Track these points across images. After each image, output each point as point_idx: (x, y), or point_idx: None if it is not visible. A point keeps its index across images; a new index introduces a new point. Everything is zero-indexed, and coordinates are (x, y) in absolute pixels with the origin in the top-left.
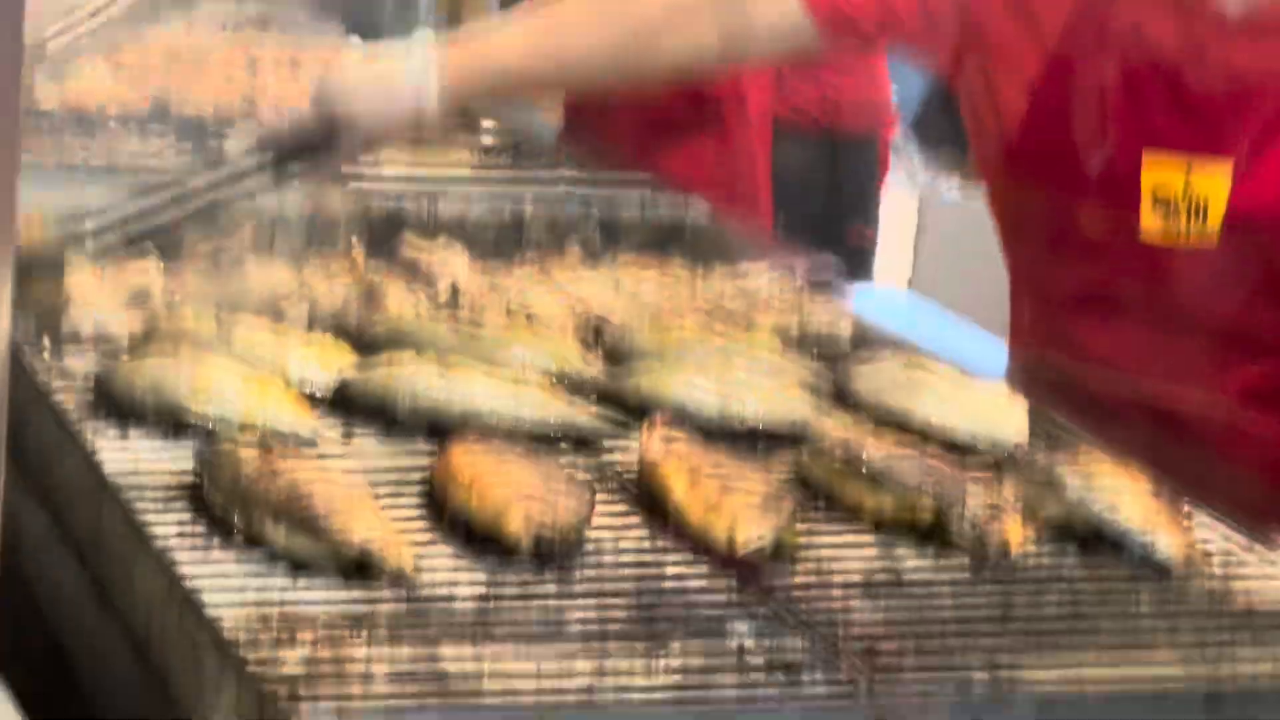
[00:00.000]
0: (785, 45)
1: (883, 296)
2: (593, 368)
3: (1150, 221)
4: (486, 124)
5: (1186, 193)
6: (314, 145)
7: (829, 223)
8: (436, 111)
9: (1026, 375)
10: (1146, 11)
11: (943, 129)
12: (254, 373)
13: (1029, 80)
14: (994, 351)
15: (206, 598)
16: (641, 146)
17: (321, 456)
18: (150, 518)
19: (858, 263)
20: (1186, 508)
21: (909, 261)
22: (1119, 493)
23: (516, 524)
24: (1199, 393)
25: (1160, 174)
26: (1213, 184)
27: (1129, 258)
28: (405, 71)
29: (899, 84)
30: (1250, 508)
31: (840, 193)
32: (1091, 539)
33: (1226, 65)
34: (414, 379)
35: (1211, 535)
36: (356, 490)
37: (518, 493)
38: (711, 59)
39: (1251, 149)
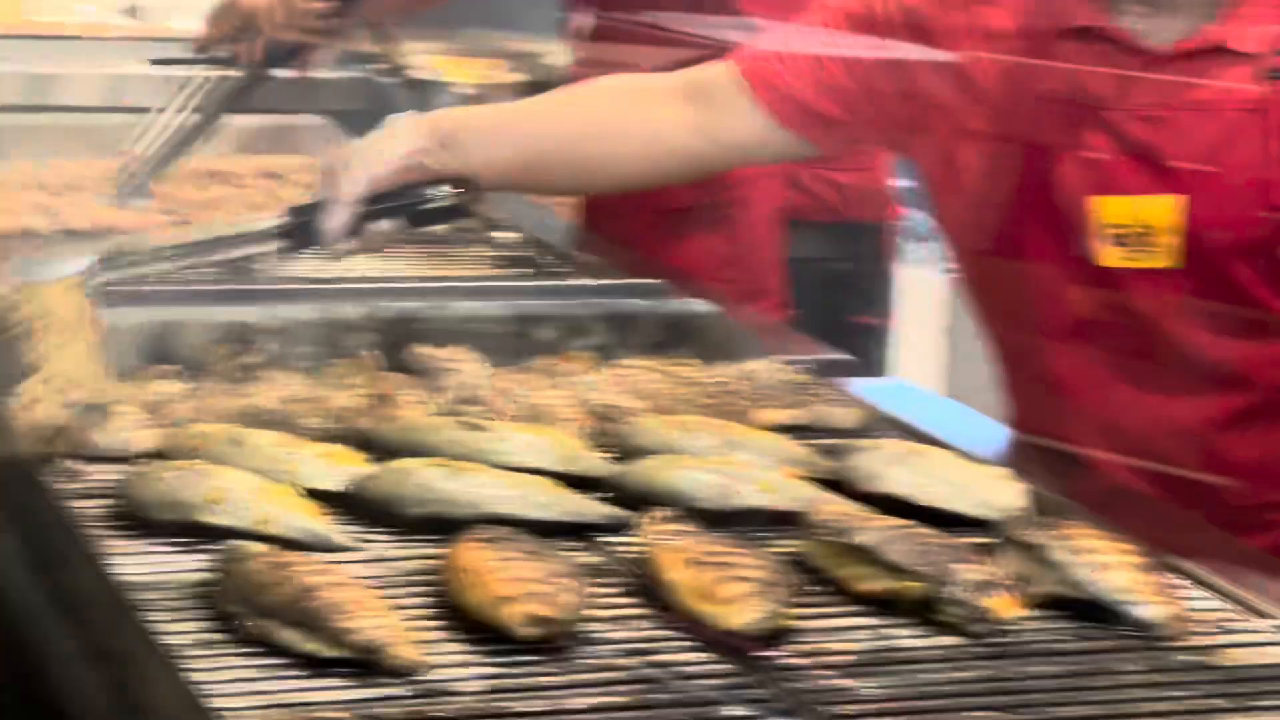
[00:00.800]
0: (772, 153)
1: (890, 387)
2: (598, 461)
3: (1110, 261)
4: (502, 235)
5: (1140, 229)
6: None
7: (841, 311)
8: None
9: (1021, 431)
10: (1080, 59)
11: None
12: (267, 480)
13: (980, 149)
14: (995, 434)
15: (222, 702)
16: (657, 242)
17: (332, 560)
18: (163, 625)
19: (870, 350)
20: (1174, 576)
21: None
22: (1106, 562)
23: (517, 616)
24: (1177, 425)
25: (1113, 215)
26: (1164, 217)
27: (1097, 304)
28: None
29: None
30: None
31: (851, 281)
32: (1082, 609)
33: (1162, 98)
34: (422, 479)
35: (1202, 600)
36: (363, 589)
37: (519, 586)
38: (688, 154)
39: (1196, 176)
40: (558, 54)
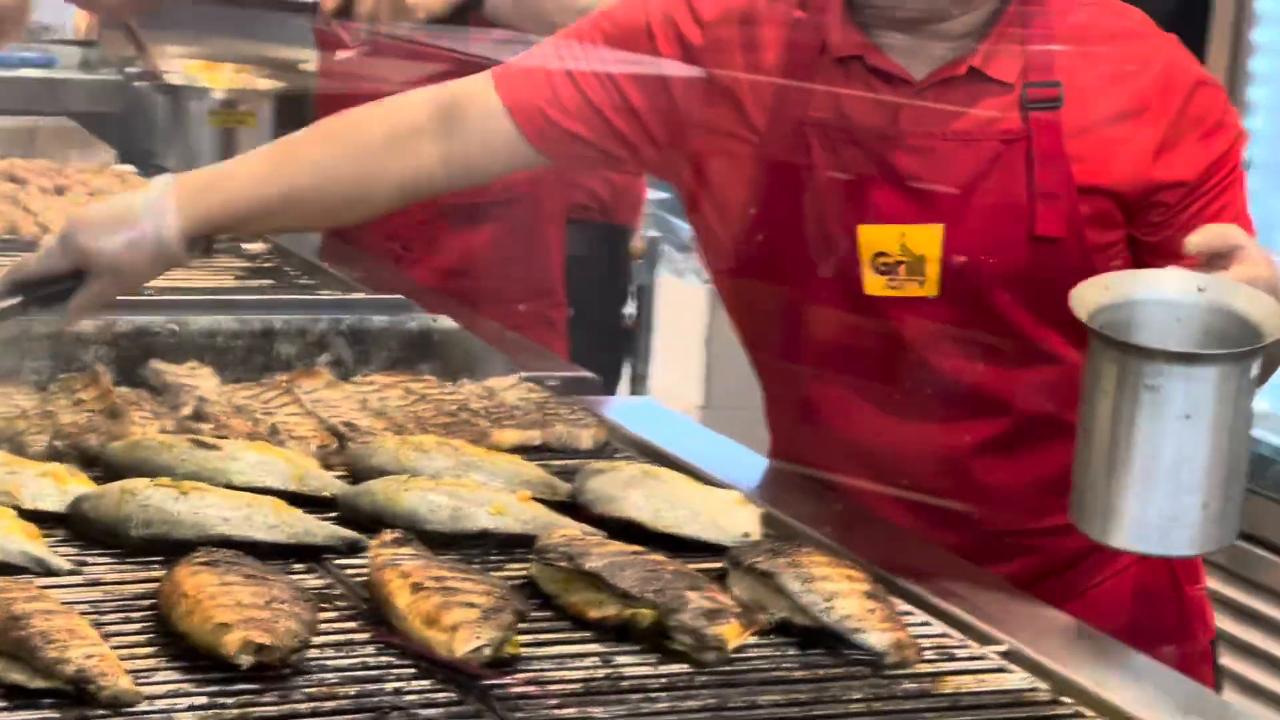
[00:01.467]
0: (515, 163)
1: (635, 405)
2: (331, 481)
3: (873, 289)
4: (251, 246)
5: (904, 258)
6: (62, 286)
7: (606, 314)
8: (177, 248)
9: (784, 455)
10: (843, 90)
11: None
12: None
13: (744, 172)
14: (742, 458)
15: None
16: (435, 237)
17: (48, 584)
18: None
19: (630, 355)
20: (904, 602)
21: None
22: (835, 590)
23: (234, 644)
24: (932, 451)
25: (877, 243)
26: (927, 246)
27: (855, 330)
28: (143, 209)
29: None
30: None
31: (619, 283)
32: (811, 637)
33: (923, 127)
34: (146, 499)
35: (929, 627)
36: (75, 616)
37: (237, 612)
38: (439, 182)
39: (958, 205)
40: (312, 62)
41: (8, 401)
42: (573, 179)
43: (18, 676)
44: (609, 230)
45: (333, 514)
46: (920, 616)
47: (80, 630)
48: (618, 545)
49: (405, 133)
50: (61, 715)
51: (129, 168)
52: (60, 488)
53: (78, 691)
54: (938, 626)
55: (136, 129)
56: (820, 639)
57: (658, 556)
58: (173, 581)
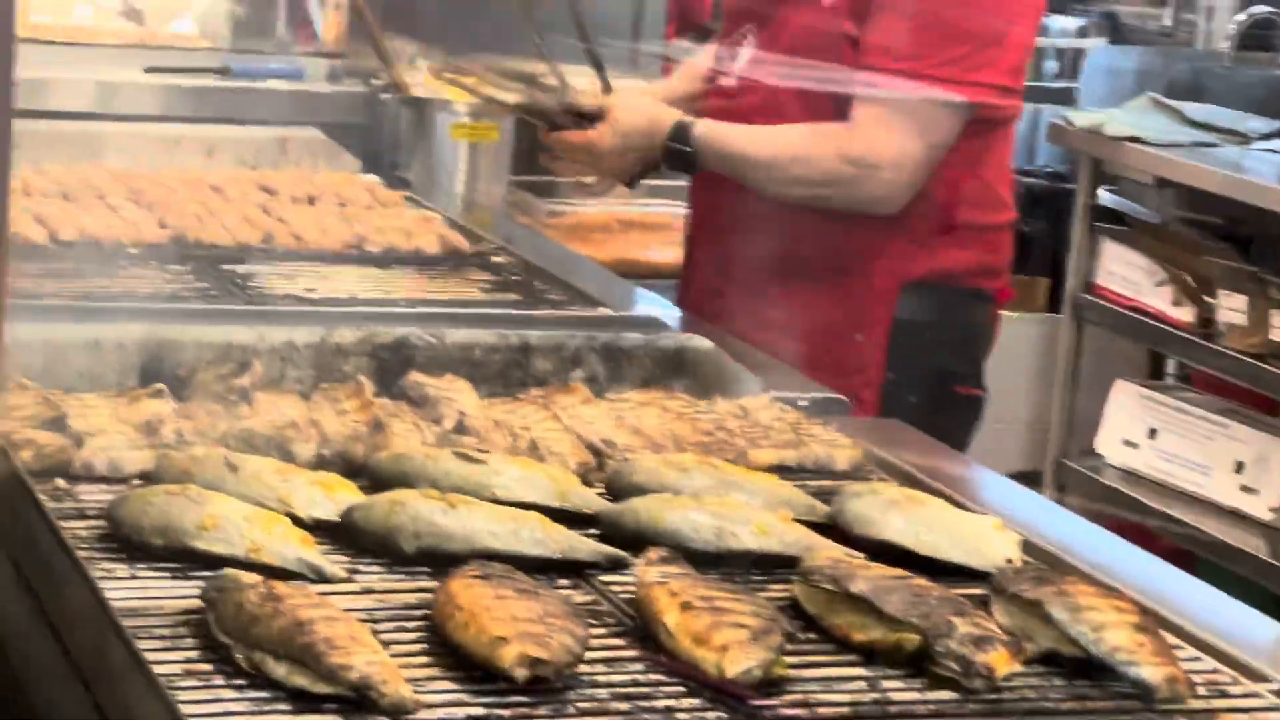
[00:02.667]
0: None
1: (883, 426)
2: (593, 498)
3: None
4: (499, 258)
5: None
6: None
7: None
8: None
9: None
10: None
11: None
12: (259, 508)
13: None
14: (994, 483)
15: None
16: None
17: (324, 591)
18: (154, 652)
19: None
20: (1170, 635)
21: None
22: (1104, 621)
23: (511, 657)
24: None
25: None
26: None
27: None
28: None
29: None
30: None
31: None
32: (1077, 667)
33: None
34: (416, 511)
35: (1198, 662)
36: (356, 623)
37: (513, 626)
38: None
39: None
40: (551, 75)
41: (275, 409)
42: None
43: (301, 681)
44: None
45: (593, 530)
46: (1189, 651)
47: (361, 638)
48: (882, 569)
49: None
50: None
51: (373, 178)
52: (331, 496)
53: (359, 698)
54: (1208, 662)
55: (381, 140)
56: (1086, 670)
57: (922, 581)
58: (447, 593)
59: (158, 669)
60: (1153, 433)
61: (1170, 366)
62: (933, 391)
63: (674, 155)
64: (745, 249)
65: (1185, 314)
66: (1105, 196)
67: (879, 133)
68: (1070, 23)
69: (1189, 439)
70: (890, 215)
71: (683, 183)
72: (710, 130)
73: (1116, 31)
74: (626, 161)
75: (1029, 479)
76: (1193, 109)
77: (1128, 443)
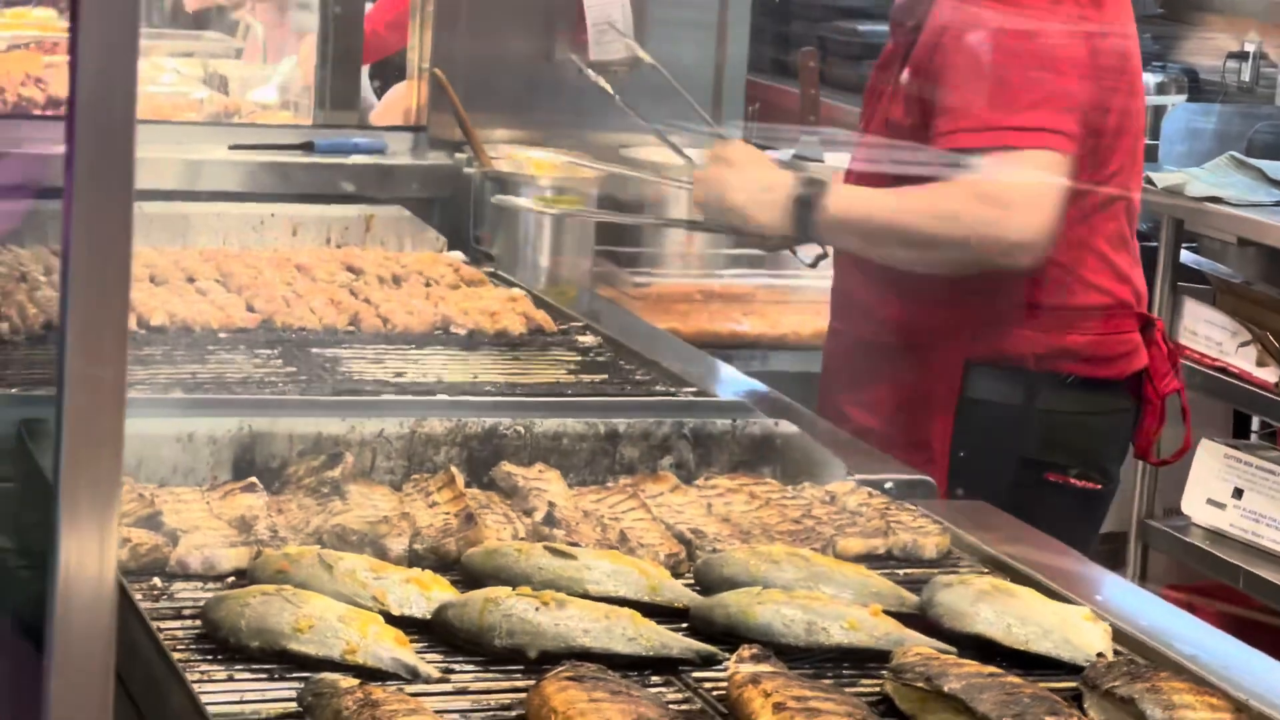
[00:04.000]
0: None
1: (968, 508)
2: (683, 591)
3: None
4: (584, 338)
5: None
6: None
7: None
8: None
9: None
10: None
11: None
12: (354, 608)
13: None
14: (1077, 565)
15: None
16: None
17: (418, 691)
18: None
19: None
20: None
21: None
22: (1201, 719)
23: None
24: None
25: None
26: None
27: None
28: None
29: None
30: None
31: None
32: None
33: None
34: (509, 609)
35: None
36: None
37: None
38: None
39: None
40: (635, 147)
41: (367, 503)
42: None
43: None
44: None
45: (683, 624)
46: None
47: None
48: (975, 665)
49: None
50: None
51: (458, 255)
52: (425, 594)
53: None
54: None
55: (464, 215)
56: None
57: (1015, 679)
58: (541, 696)
59: None
60: (1238, 492)
61: (1255, 425)
62: (1025, 478)
63: (801, 205)
64: (864, 326)
65: (1270, 374)
66: (1187, 256)
67: (1005, 172)
68: (1149, 79)
69: (1275, 499)
70: (1025, 270)
71: (759, 251)
72: (841, 189)
73: (1195, 88)
74: (751, 186)
75: (1114, 539)
76: (1274, 168)
77: (1213, 502)
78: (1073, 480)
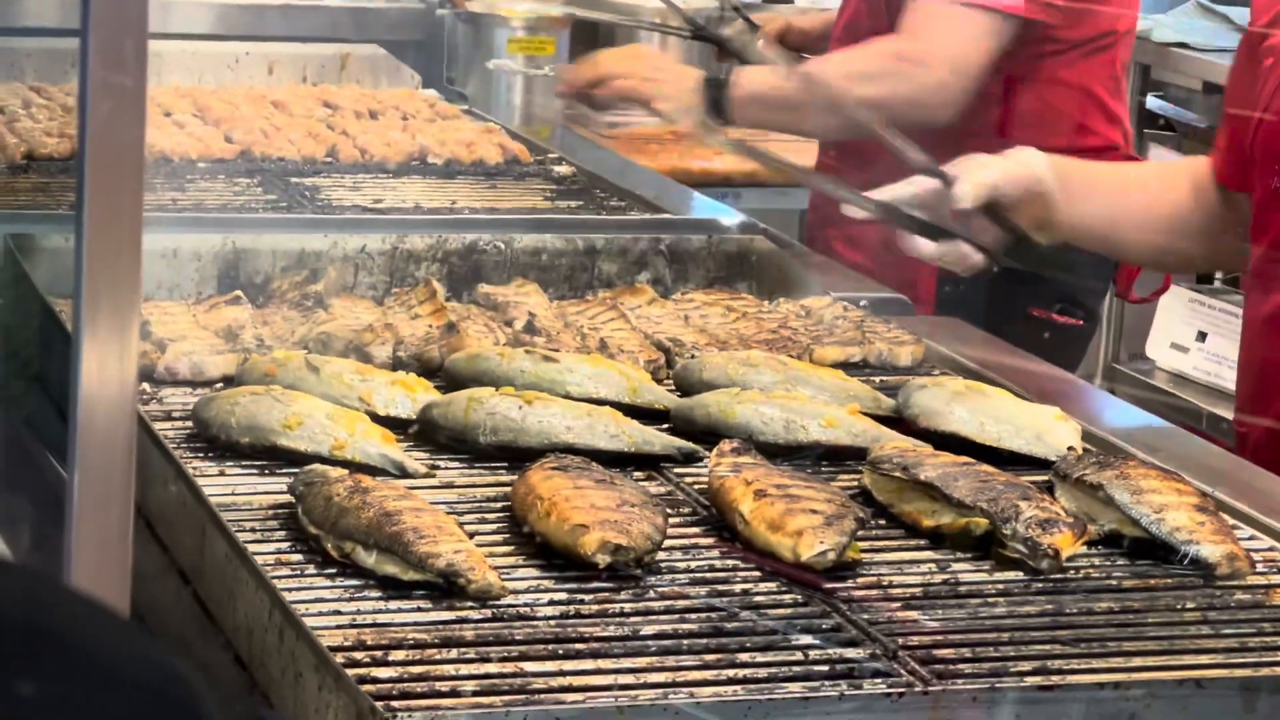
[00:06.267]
0: None
1: (941, 323)
2: (663, 394)
3: None
4: (560, 168)
5: None
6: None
7: None
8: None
9: None
10: None
11: None
12: (341, 407)
13: None
14: (1051, 374)
15: (305, 619)
16: None
17: (407, 485)
18: (247, 544)
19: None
20: (1231, 518)
21: None
22: (1165, 503)
23: (593, 544)
24: None
25: None
26: None
27: None
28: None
29: None
30: None
31: None
32: (1139, 547)
33: None
34: (493, 408)
35: (1258, 542)
36: (442, 514)
37: (594, 514)
38: None
39: None
40: None
41: (350, 314)
42: None
43: (391, 569)
44: None
45: (665, 425)
46: (1247, 531)
47: (448, 527)
48: (949, 457)
49: None
50: (433, 605)
51: (431, 93)
52: (410, 395)
53: (447, 584)
54: (1265, 541)
55: (437, 56)
56: (1148, 550)
57: (988, 468)
58: (527, 484)
59: (253, 558)
60: (1202, 336)
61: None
62: (1009, 312)
63: (712, 84)
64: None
65: None
66: (1153, 102)
67: (927, 29)
68: None
69: (1238, 342)
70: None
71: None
72: (751, 68)
73: None
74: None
75: None
76: (1240, 14)
77: (1177, 346)
78: (1055, 316)
